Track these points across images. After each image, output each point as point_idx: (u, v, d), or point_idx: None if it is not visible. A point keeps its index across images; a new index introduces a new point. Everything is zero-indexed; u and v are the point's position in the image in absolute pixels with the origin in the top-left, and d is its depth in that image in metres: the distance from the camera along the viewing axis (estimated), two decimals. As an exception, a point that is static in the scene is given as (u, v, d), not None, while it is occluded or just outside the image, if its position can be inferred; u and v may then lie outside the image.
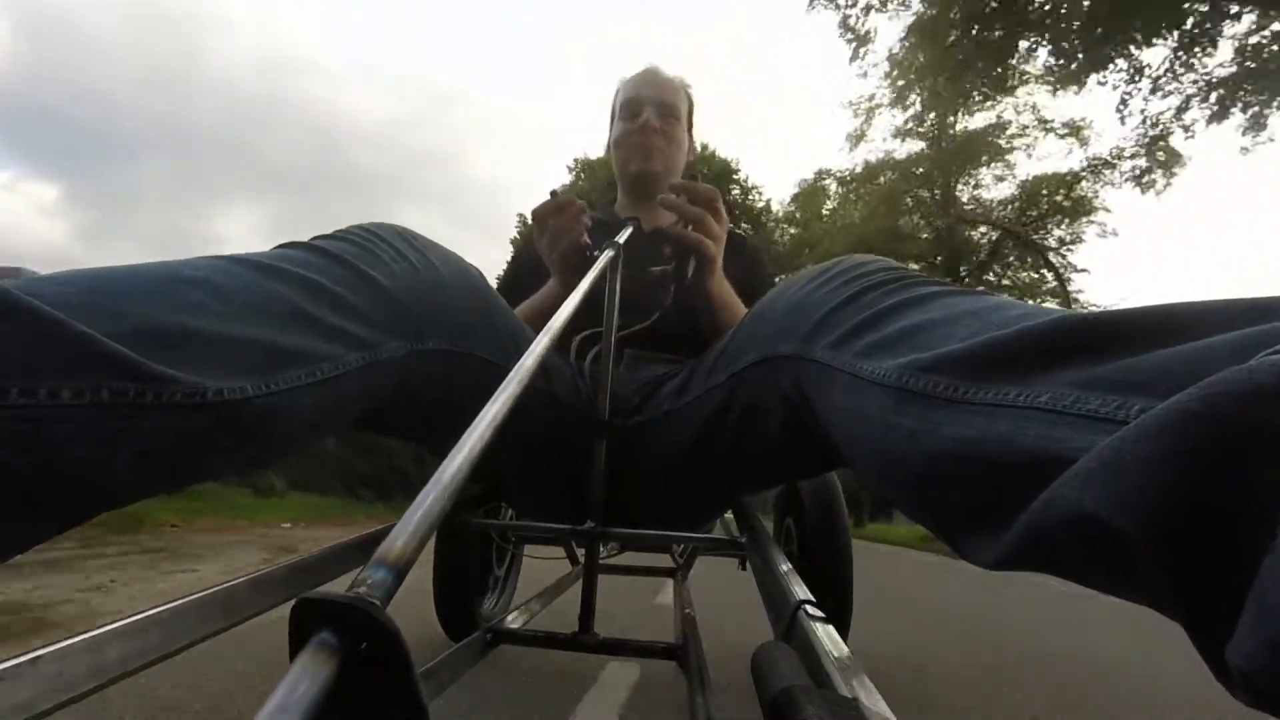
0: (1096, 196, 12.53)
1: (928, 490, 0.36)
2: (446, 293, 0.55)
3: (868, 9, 9.20)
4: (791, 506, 1.33)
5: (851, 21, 9.43)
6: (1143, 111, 9.11)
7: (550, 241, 0.79)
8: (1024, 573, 0.30)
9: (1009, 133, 13.09)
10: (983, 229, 14.58)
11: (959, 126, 12.84)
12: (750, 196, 17.94)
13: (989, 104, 11.21)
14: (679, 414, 0.67)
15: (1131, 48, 8.03)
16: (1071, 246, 13.55)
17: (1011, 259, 14.74)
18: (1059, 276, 13.21)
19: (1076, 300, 12.62)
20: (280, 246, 0.48)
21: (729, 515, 0.97)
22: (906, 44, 9.51)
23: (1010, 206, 14.18)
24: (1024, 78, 9.76)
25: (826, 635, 0.40)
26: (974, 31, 8.34)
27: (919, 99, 10.48)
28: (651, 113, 0.99)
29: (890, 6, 9.09)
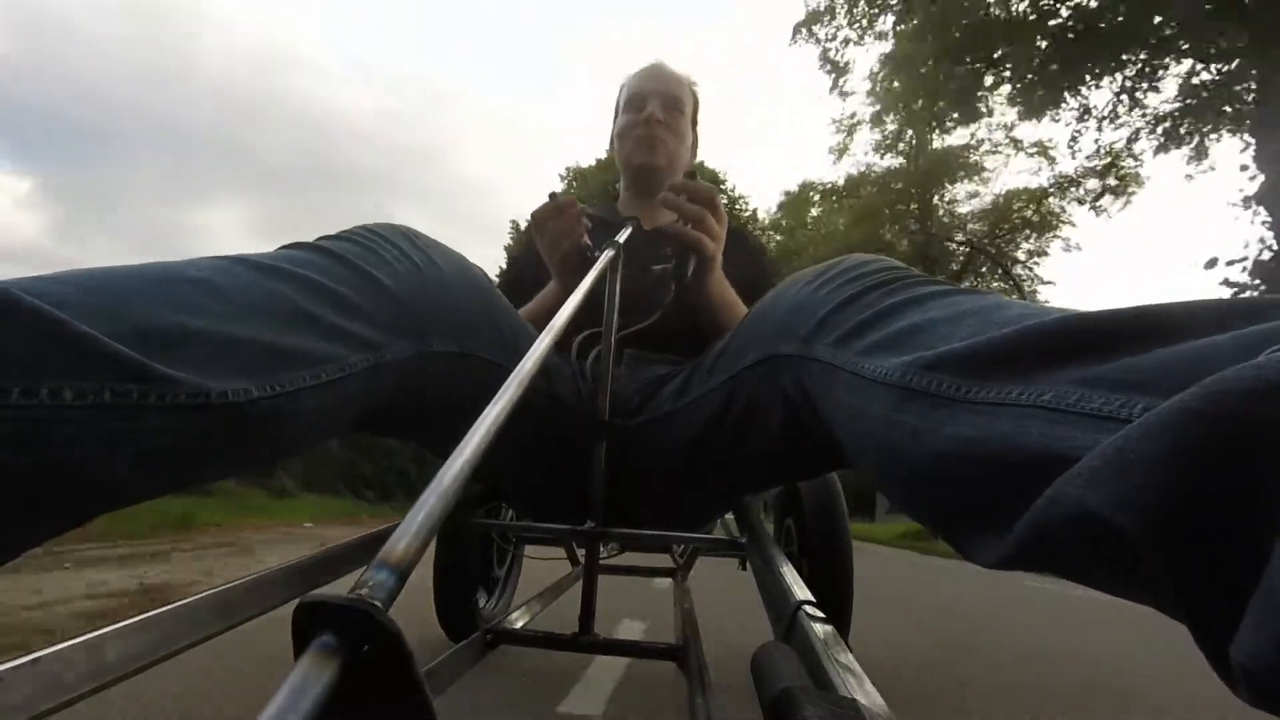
0: (1065, 211, 13.48)
1: (930, 489, 0.36)
2: (450, 293, 0.55)
3: (846, 41, 10.23)
4: (791, 506, 1.33)
5: (831, 54, 10.50)
6: (1096, 141, 10.18)
7: (550, 244, 0.79)
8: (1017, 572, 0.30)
9: (982, 150, 14.04)
10: (959, 240, 15.48)
11: (934, 144, 13.47)
12: (738, 205, 18.18)
13: (961, 127, 11.92)
14: (679, 414, 0.67)
15: (1081, 88, 9.05)
16: (1038, 259, 14.71)
17: (984, 269, 15.63)
18: (1019, 289, 14.06)
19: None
20: (284, 247, 0.48)
21: (729, 515, 0.97)
22: (882, 73, 10.43)
23: (984, 220, 15.18)
24: (990, 109, 10.67)
25: (826, 635, 0.40)
26: (944, 65, 9.14)
27: (896, 120, 11.42)
28: (656, 105, 0.98)
29: (866, 39, 10.07)
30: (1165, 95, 8.76)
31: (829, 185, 15.24)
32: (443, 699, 0.61)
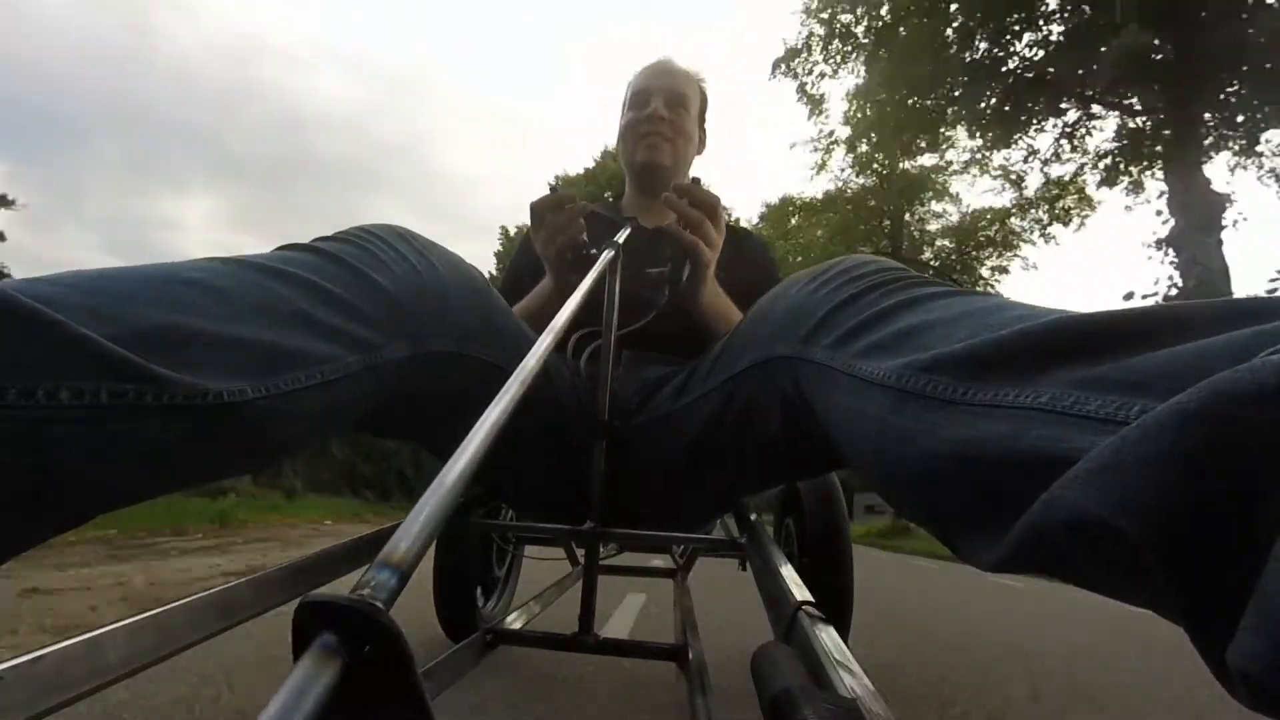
0: (1027, 231, 14.27)
1: (927, 491, 0.36)
2: (447, 294, 0.55)
3: (821, 75, 11.29)
4: (791, 506, 1.33)
5: (808, 88, 11.56)
6: (1044, 173, 11.17)
7: (546, 237, 0.79)
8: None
9: (951, 170, 14.65)
10: (926, 257, 16.37)
11: (904, 166, 14.11)
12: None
13: (928, 154, 12.89)
14: (678, 415, 0.67)
15: (1031, 129, 10.10)
16: (1000, 278, 15.60)
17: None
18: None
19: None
20: (280, 248, 0.48)
21: (729, 515, 0.97)
22: (853, 106, 11.46)
23: (951, 236, 16.23)
24: (953, 141, 11.71)
25: (826, 635, 0.40)
26: (910, 100, 10.14)
27: (868, 146, 12.26)
28: (660, 102, 0.97)
29: (840, 73, 11.11)
30: (1106, 134, 9.85)
31: (808, 200, 15.88)
32: (443, 699, 0.61)
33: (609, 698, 1.19)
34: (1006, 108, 9.53)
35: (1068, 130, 9.94)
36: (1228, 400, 0.19)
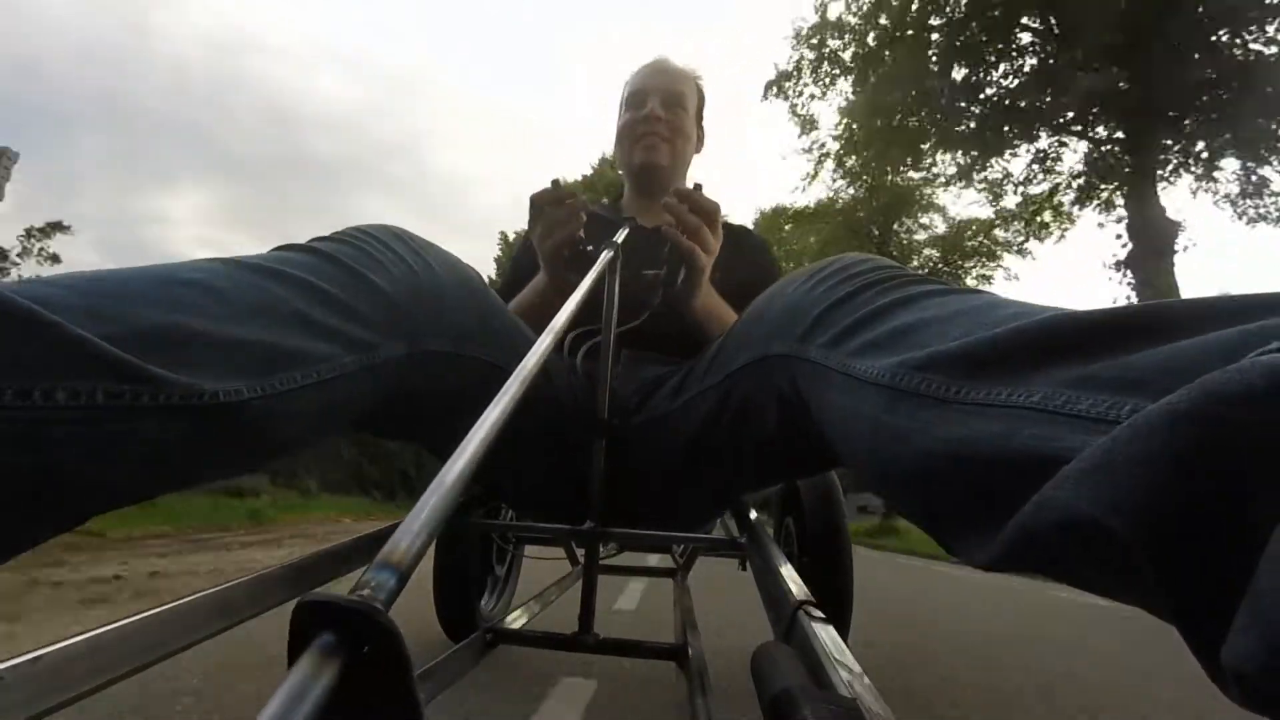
0: (1011, 242, 14.66)
1: (921, 489, 0.37)
2: (444, 294, 0.55)
3: (811, 97, 11.98)
4: (791, 506, 1.33)
5: (799, 109, 12.22)
6: (1022, 192, 11.62)
7: (544, 231, 0.78)
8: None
9: (938, 181, 14.89)
10: (913, 267, 16.60)
11: (892, 179, 14.42)
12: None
13: (914, 170, 13.39)
14: (676, 414, 0.67)
15: (1007, 152, 10.74)
16: (985, 286, 15.67)
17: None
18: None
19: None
20: (277, 249, 0.48)
21: (729, 515, 0.97)
22: (841, 124, 12.04)
23: (937, 246, 16.74)
24: (936, 160, 12.21)
25: (826, 635, 0.40)
26: (894, 120, 10.79)
27: (856, 161, 12.77)
28: (656, 102, 0.97)
29: (829, 95, 11.83)
30: (1078, 157, 10.44)
31: (800, 209, 16.21)
32: (442, 699, 0.61)
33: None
34: (988, 133, 10.16)
35: (1040, 155, 10.60)
36: (1217, 401, 0.20)
